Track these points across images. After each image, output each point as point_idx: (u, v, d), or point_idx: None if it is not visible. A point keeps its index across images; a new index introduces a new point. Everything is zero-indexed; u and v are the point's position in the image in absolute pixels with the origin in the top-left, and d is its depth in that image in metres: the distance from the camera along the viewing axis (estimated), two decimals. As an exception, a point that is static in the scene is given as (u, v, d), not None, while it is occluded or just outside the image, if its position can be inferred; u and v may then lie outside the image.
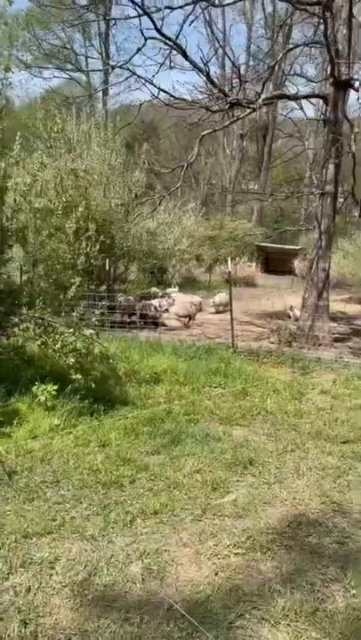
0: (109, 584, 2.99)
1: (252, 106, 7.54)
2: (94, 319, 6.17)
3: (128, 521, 3.66)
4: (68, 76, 39.02)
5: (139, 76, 7.63)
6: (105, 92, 37.15)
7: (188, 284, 22.67)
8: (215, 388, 7.16)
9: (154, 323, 12.36)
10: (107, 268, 10.71)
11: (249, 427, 5.67)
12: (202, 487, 4.17)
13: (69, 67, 39.43)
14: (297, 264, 32.58)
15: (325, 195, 9.27)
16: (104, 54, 39.15)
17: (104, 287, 11.23)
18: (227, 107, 8.02)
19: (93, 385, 5.55)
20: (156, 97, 7.91)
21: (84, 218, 11.59)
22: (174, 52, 7.62)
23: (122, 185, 12.70)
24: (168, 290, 15.30)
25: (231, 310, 10.01)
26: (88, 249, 11.09)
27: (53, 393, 5.58)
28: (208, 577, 3.07)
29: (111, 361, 7.07)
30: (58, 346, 5.42)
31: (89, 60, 39.16)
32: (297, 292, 27.41)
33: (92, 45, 39.03)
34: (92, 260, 10.91)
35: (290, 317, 17.25)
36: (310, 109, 49.12)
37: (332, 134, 8.81)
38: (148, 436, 5.22)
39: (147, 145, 14.67)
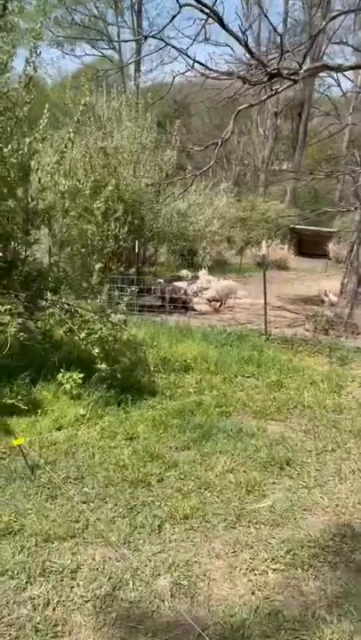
0: (135, 600, 2.73)
1: (293, 77, 7.01)
2: (123, 305, 5.86)
3: (156, 526, 3.39)
4: (100, 54, 38.54)
5: (172, 46, 7.15)
6: (137, 69, 36.59)
7: (219, 267, 22.25)
8: (248, 378, 6.81)
9: (184, 307, 12.05)
10: (136, 250, 10.37)
11: (285, 422, 5.33)
12: (235, 489, 3.87)
13: (101, 44, 38.93)
14: (331, 247, 31.79)
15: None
16: (136, 31, 38.44)
17: (133, 269, 10.94)
18: (266, 79, 7.49)
19: (119, 375, 5.26)
20: (192, 67, 7.43)
21: (113, 198, 11.30)
22: (210, 21, 7.10)
23: (152, 164, 12.30)
24: (199, 273, 14.93)
25: (265, 296, 9.58)
26: (117, 230, 10.85)
27: (79, 381, 5.34)
28: (244, 596, 2.78)
29: (140, 348, 6.82)
30: (83, 334, 5.15)
31: (121, 36, 38.50)
32: (331, 276, 26.80)
33: (125, 21, 38.34)
34: (120, 242, 10.68)
35: (324, 303, 16.74)
36: (348, 85, 47.44)
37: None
38: (177, 429, 4.94)
39: (179, 122, 14.08)
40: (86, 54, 36.79)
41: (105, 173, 10.64)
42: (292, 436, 4.92)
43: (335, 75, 52.28)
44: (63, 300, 5.41)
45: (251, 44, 7.28)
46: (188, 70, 7.83)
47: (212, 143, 8.90)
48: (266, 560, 3.07)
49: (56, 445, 4.53)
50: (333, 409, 5.67)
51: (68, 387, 5.29)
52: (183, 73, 7.95)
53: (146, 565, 3.00)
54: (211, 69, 7.52)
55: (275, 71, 6.99)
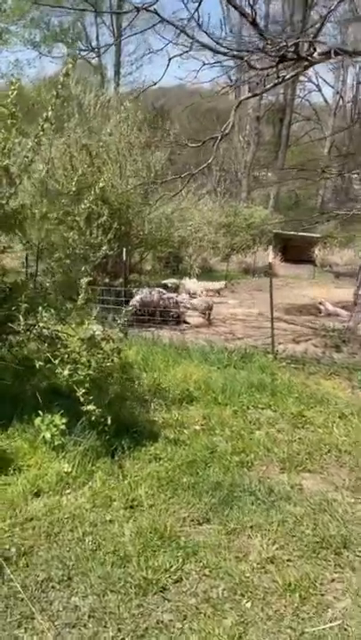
0: None
1: (312, 58, 6.05)
2: (117, 329, 4.75)
3: (182, 673, 2.30)
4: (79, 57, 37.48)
5: (167, 21, 6.12)
6: (117, 71, 35.65)
7: (205, 274, 21.23)
8: (262, 409, 5.76)
9: (176, 321, 11.00)
10: (123, 258, 9.27)
11: (322, 473, 4.27)
12: (283, 594, 2.80)
13: (80, 45, 37.94)
14: (317, 253, 31.12)
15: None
16: (115, 31, 37.53)
17: (120, 280, 9.82)
18: (275, 62, 6.52)
19: (109, 421, 4.13)
20: (189, 48, 6.43)
21: (97, 201, 10.19)
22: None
23: (141, 164, 11.22)
24: (190, 280, 13.91)
25: (272, 310, 8.56)
26: (102, 237, 9.74)
27: (62, 427, 4.21)
28: None
29: (135, 376, 5.75)
30: (66, 372, 4.02)
31: (100, 38, 37.64)
32: (319, 282, 26.07)
33: (103, 22, 37.45)
34: (106, 250, 9.55)
35: (321, 312, 15.86)
36: (329, 92, 47.23)
37: None
38: (190, 491, 3.84)
39: (168, 123, 13.12)
40: (65, 56, 35.58)
41: (88, 174, 9.52)
42: (336, 497, 3.86)
43: (316, 80, 52.08)
44: (41, 324, 4.27)
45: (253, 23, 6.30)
46: (186, 52, 6.85)
47: (210, 138, 7.91)
48: None
49: (33, 522, 3.40)
50: (377, 454, 4.64)
51: (48, 435, 4.16)
52: (180, 55, 6.95)
53: None
54: (211, 49, 6.53)
55: (289, 53, 6.04)
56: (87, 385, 4.05)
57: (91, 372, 4.05)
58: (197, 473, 4.09)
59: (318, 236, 30.20)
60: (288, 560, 3.08)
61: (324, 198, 46.94)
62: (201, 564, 3.03)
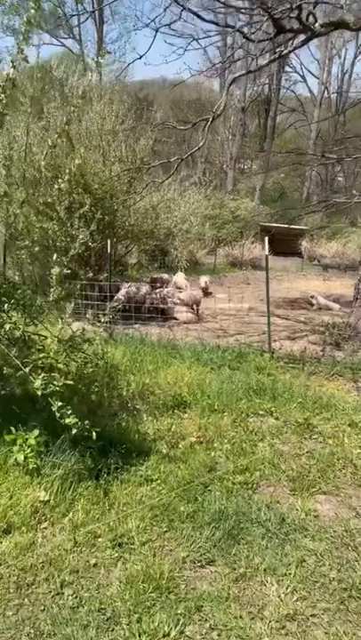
0: None
1: (314, 28, 5.46)
2: (101, 328, 4.13)
3: None
4: (59, 43, 36.59)
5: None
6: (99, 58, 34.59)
7: (191, 268, 20.67)
8: (264, 417, 5.20)
9: (163, 316, 10.39)
10: (108, 251, 8.61)
11: (338, 495, 3.72)
12: (312, 666, 2.24)
13: (62, 33, 36.93)
14: (305, 245, 30.72)
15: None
16: (97, 20, 36.54)
17: (105, 275, 9.17)
18: (273, 33, 5.93)
19: (94, 436, 3.52)
20: (179, 18, 5.80)
21: (78, 189, 9.52)
22: None
23: (126, 149, 10.53)
24: (177, 275, 13.31)
25: (268, 306, 7.99)
26: (84, 228, 9.07)
27: (38, 449, 3.61)
28: None
29: (123, 381, 5.16)
30: (38, 382, 3.39)
31: (82, 26, 36.70)
32: (308, 275, 25.66)
33: (85, 8, 36.42)
34: (89, 243, 8.90)
35: (313, 306, 15.38)
36: (314, 82, 46.71)
37: None
38: (188, 522, 3.27)
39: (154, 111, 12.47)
40: (45, 44, 34.61)
41: (69, 159, 8.84)
42: (358, 526, 3.32)
43: (301, 70, 51.56)
44: (7, 325, 3.63)
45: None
46: (176, 21, 6.24)
47: (202, 119, 7.30)
48: None
49: (1, 569, 2.80)
50: None
51: (21, 457, 3.55)
52: (169, 25, 6.33)
53: None
54: (204, 19, 5.90)
55: (294, 18, 5.45)
56: (65, 395, 3.43)
57: (69, 381, 3.43)
58: (196, 499, 3.51)
59: (305, 228, 29.76)
60: (312, 615, 2.53)
61: (309, 190, 46.62)
62: (207, 624, 2.46)
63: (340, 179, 46.46)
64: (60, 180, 4.00)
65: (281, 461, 4.16)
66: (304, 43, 6.72)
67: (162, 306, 10.36)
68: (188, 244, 22.27)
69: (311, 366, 6.96)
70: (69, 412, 3.48)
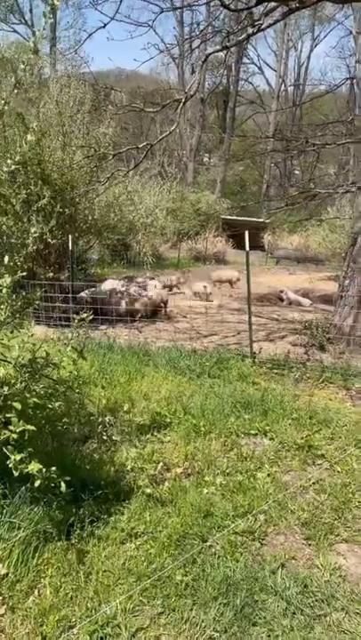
0: None
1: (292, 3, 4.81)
2: (71, 335, 3.35)
3: None
4: (10, 29, 34.98)
5: None
6: (53, 47, 33.39)
7: (154, 263, 19.97)
8: (256, 436, 4.55)
9: (131, 317, 9.63)
10: (69, 247, 7.77)
11: (361, 543, 3.09)
12: None
13: (12, 18, 35.33)
14: (267, 238, 30.44)
15: (379, 143, 6.68)
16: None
17: (66, 274, 8.31)
18: (254, 2, 5.25)
19: (63, 487, 2.75)
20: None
21: (34, 176, 8.61)
22: None
23: (85, 136, 9.64)
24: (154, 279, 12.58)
25: (250, 307, 7.35)
26: (42, 224, 8.21)
27: (-10, 505, 2.82)
28: None
29: (92, 402, 4.42)
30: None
31: (34, 10, 35.27)
32: (271, 269, 25.33)
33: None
34: (48, 239, 8.07)
35: (283, 302, 14.91)
36: (272, 74, 46.52)
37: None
38: (188, 597, 2.56)
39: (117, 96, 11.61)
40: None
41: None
42: None
43: (259, 62, 51.46)
44: None
45: None
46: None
47: (174, 100, 6.54)
48: None
49: None
50: None
51: (-33, 518, 2.76)
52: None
53: None
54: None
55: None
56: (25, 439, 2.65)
57: (30, 426, 2.65)
58: (195, 560, 2.81)
59: (267, 221, 29.45)
60: None
61: (268, 183, 46.56)
62: None
63: (296, 172, 46.53)
64: (9, 161, 3.19)
65: (287, 498, 3.50)
66: (286, 15, 6.08)
67: (128, 307, 9.58)
68: (151, 238, 21.51)
69: (297, 371, 6.38)
70: (29, 454, 2.70)
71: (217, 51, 6.41)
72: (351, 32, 33.09)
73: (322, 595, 2.59)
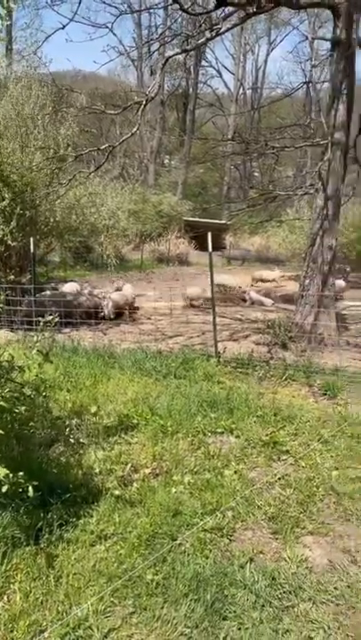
0: None
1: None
2: (34, 350, 3.33)
3: None
4: None
5: None
6: (9, 48, 32.77)
7: (118, 265, 19.91)
8: (223, 434, 4.61)
9: (95, 319, 9.57)
10: (31, 249, 7.67)
11: (326, 535, 3.17)
12: None
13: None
14: (228, 239, 30.76)
15: (334, 145, 6.85)
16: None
17: (28, 277, 8.20)
18: (213, 4, 5.32)
19: (31, 492, 2.73)
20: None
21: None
22: None
23: (46, 138, 9.53)
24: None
25: (213, 307, 7.43)
26: (2, 226, 8.06)
27: None
28: None
29: (57, 405, 4.38)
30: None
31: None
32: (232, 269, 25.60)
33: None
34: (9, 242, 7.93)
35: (245, 301, 15.10)
36: (230, 78, 47.05)
37: (345, 59, 6.36)
38: (159, 596, 2.58)
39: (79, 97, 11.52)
40: None
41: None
42: (357, 572, 2.79)
43: (217, 65, 51.84)
44: None
45: None
46: None
47: (135, 102, 6.56)
48: None
49: None
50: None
51: None
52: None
53: None
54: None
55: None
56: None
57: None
58: (165, 559, 2.84)
59: (229, 222, 29.75)
60: None
61: (228, 185, 47.07)
62: None
63: (256, 174, 47.19)
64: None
65: (254, 494, 3.57)
66: (245, 20, 6.18)
67: (93, 309, 9.52)
68: (114, 240, 21.43)
69: (261, 370, 6.48)
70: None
71: (176, 54, 6.46)
72: (307, 37, 33.81)
73: (289, 586, 2.66)
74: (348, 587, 2.68)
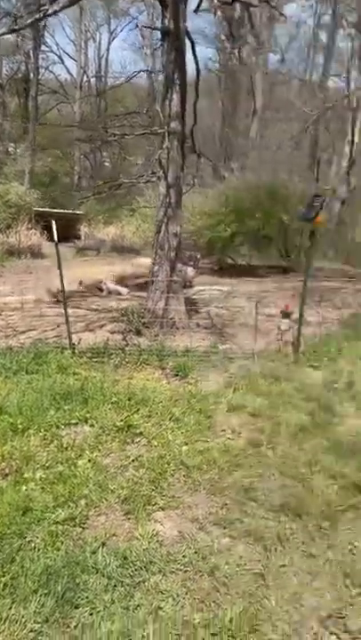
0: None
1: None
2: None
3: None
4: None
5: None
6: None
7: None
8: (77, 425, 4.56)
9: None
10: None
11: (177, 508, 3.31)
12: None
13: None
14: (83, 230, 30.32)
15: (171, 135, 7.02)
16: None
17: None
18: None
19: None
20: None
21: None
22: None
23: None
24: None
25: (64, 297, 7.26)
26: None
27: None
28: None
29: None
30: None
31: None
32: (89, 260, 25.34)
33: None
34: None
35: (102, 291, 15.02)
36: (72, 64, 46.06)
37: (175, 50, 6.54)
38: (7, 597, 2.49)
39: None
40: None
41: None
42: (207, 540, 2.96)
43: (58, 51, 50.45)
44: None
45: None
46: None
47: None
48: None
49: None
50: (230, 464, 3.86)
51: None
52: None
53: None
54: None
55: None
56: None
57: None
58: (13, 558, 2.74)
59: (82, 213, 29.30)
60: None
61: (80, 175, 46.30)
62: None
63: (107, 164, 47.00)
64: None
65: (107, 479, 3.59)
66: (72, 2, 6.06)
67: None
68: None
69: (117, 358, 6.52)
70: None
71: (4, 33, 6.14)
72: (137, 26, 34.09)
73: (140, 563, 2.73)
74: (196, 552, 2.83)
